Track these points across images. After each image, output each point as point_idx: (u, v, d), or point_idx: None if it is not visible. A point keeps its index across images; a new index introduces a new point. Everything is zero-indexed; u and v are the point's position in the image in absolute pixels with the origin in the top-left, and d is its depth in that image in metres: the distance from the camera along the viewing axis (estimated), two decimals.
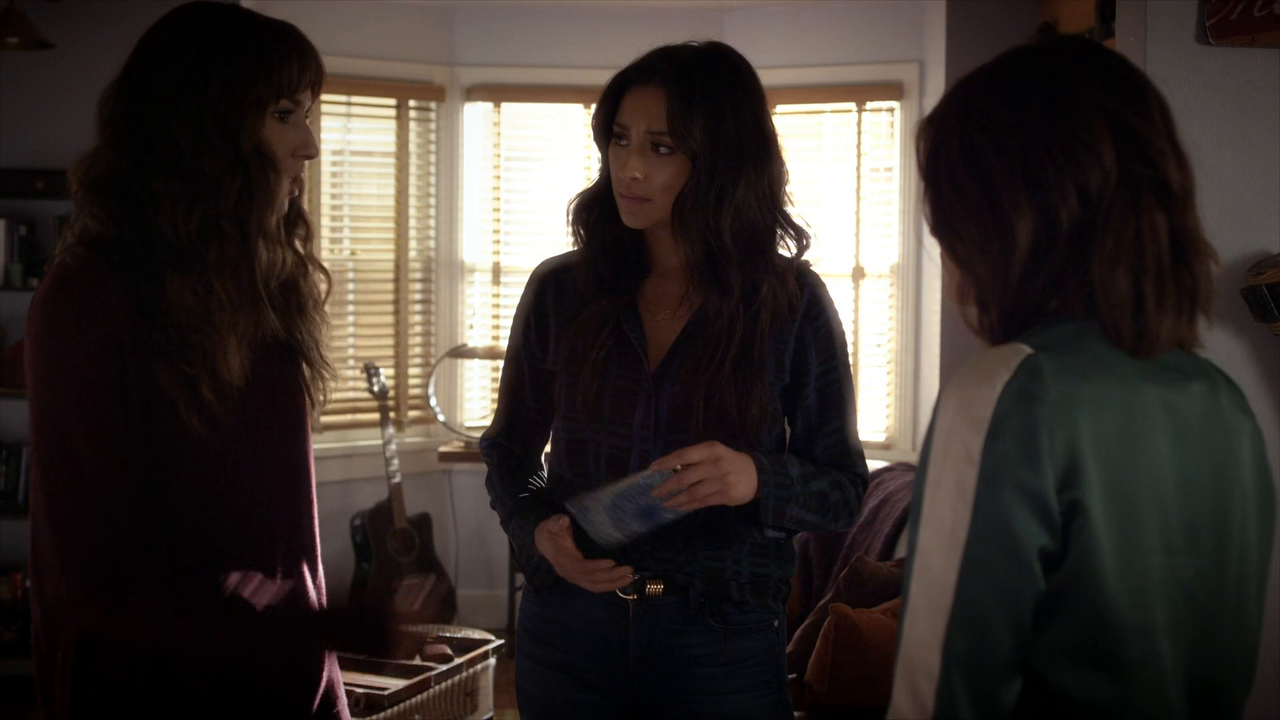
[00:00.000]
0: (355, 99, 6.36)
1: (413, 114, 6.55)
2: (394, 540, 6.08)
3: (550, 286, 2.48)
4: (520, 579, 5.75)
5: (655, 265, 2.45)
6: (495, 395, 2.83)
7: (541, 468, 2.59)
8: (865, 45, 6.28)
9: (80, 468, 1.90)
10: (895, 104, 6.23)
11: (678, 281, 2.42)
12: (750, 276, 2.36)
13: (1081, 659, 1.44)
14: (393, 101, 6.48)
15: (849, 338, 6.30)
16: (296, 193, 2.12)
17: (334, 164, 6.40)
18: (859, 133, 6.31)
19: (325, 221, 6.35)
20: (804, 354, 2.40)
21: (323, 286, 2.22)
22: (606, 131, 2.39)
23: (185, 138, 1.95)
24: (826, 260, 6.31)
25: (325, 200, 6.34)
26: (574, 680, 2.45)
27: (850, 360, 2.48)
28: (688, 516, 2.30)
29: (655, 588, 2.39)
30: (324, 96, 6.16)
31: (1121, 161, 1.48)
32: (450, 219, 6.66)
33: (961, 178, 1.53)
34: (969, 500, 1.41)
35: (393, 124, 6.50)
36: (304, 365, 2.18)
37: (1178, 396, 1.50)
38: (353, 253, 6.51)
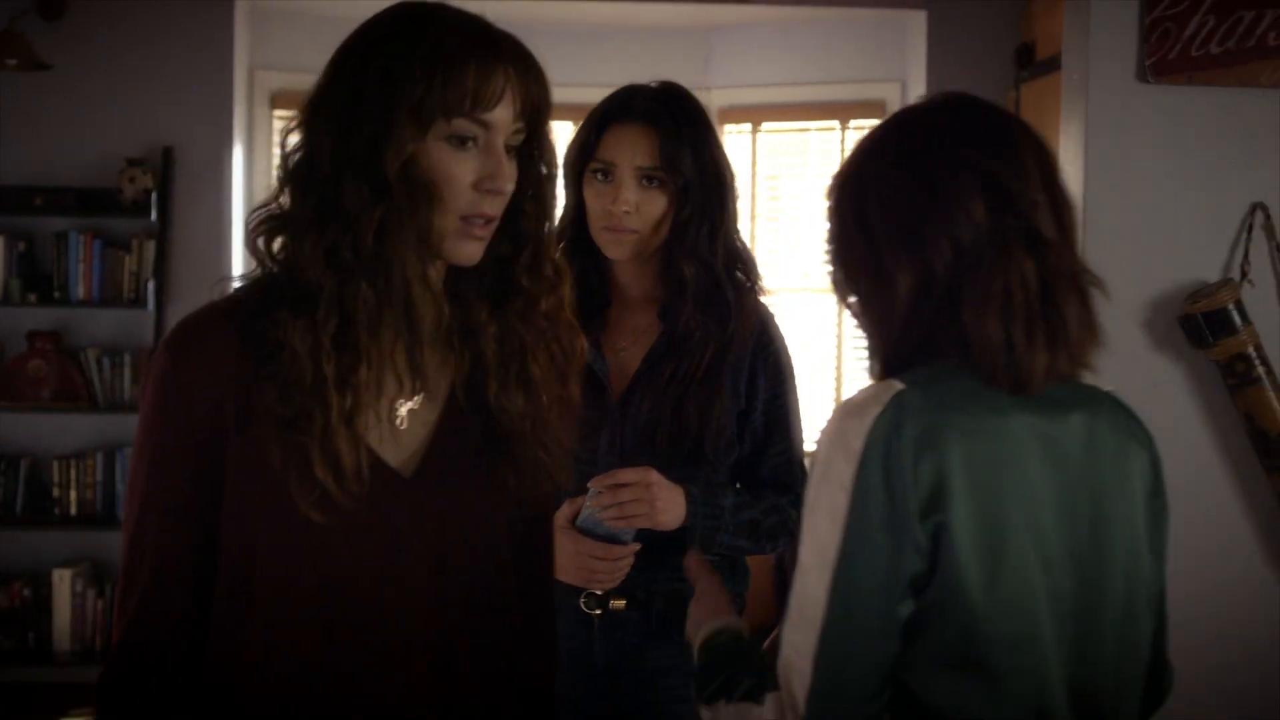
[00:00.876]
0: None
1: None
2: None
3: None
4: None
5: (618, 296, 2.56)
6: None
7: None
8: (849, 64, 6.38)
9: (141, 553, 1.66)
10: (878, 122, 6.31)
11: (640, 311, 2.54)
12: (738, 300, 2.49)
13: (952, 670, 1.54)
14: None
15: (833, 352, 6.45)
16: (534, 229, 1.74)
17: None
18: (843, 150, 6.41)
19: None
20: (755, 380, 2.52)
21: (574, 352, 1.81)
22: (581, 168, 2.49)
23: (327, 155, 1.61)
24: (810, 276, 6.43)
25: None
26: None
27: (796, 384, 2.60)
28: (651, 539, 2.42)
29: (618, 603, 2.50)
30: (283, 113, 6.13)
31: (992, 215, 1.59)
32: None
33: (853, 236, 1.66)
34: (840, 525, 1.53)
35: None
36: (511, 456, 1.77)
37: (1054, 426, 1.61)
38: None
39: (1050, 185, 1.64)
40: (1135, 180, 3.22)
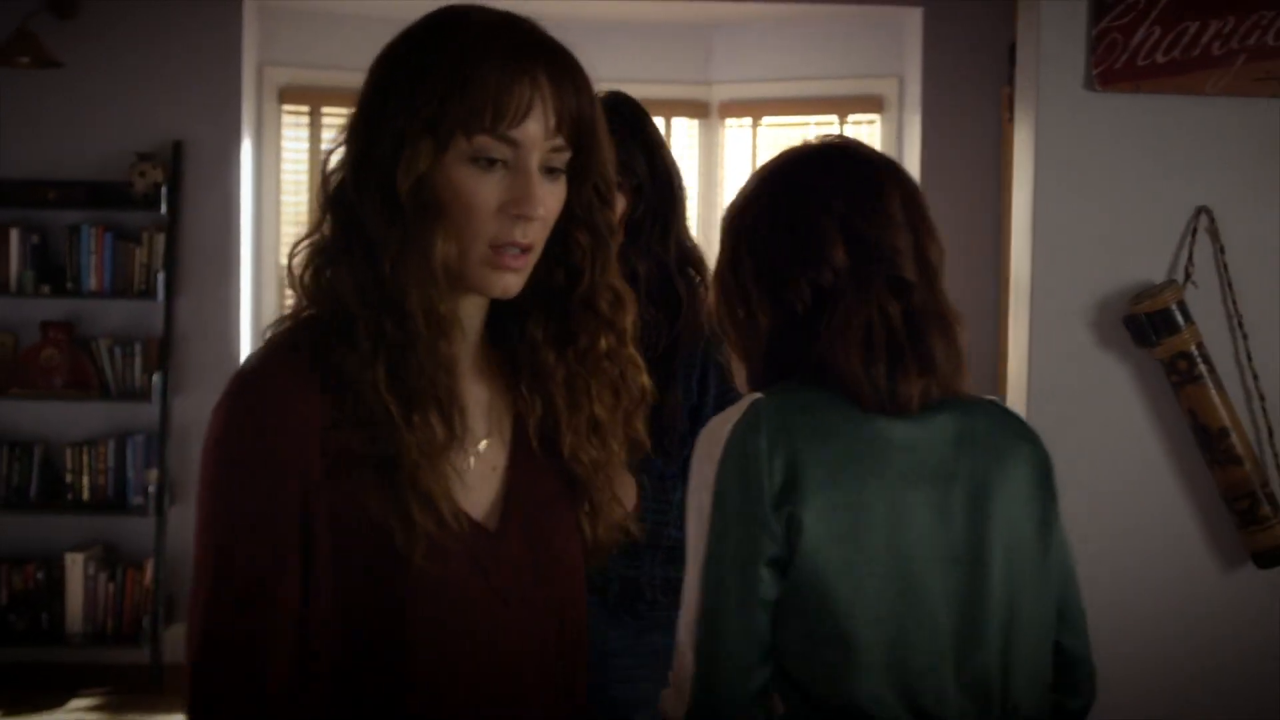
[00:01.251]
0: (327, 110, 6.40)
1: None
2: None
3: None
4: None
5: None
6: None
7: None
8: (847, 61, 6.45)
9: (219, 628, 1.47)
10: (876, 117, 6.41)
11: None
12: (689, 295, 2.62)
13: (818, 647, 1.66)
14: None
15: None
16: (588, 261, 1.58)
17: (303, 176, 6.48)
18: None
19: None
20: (705, 377, 2.64)
21: (639, 389, 1.67)
22: None
23: (351, 176, 1.48)
24: None
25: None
26: None
27: None
28: None
29: None
30: (291, 107, 6.28)
31: (853, 261, 1.73)
32: None
33: (727, 275, 1.82)
34: (706, 521, 1.68)
35: None
36: (586, 505, 1.66)
37: (918, 428, 1.72)
38: None
39: (916, 229, 1.77)
40: (1083, 185, 3.32)
